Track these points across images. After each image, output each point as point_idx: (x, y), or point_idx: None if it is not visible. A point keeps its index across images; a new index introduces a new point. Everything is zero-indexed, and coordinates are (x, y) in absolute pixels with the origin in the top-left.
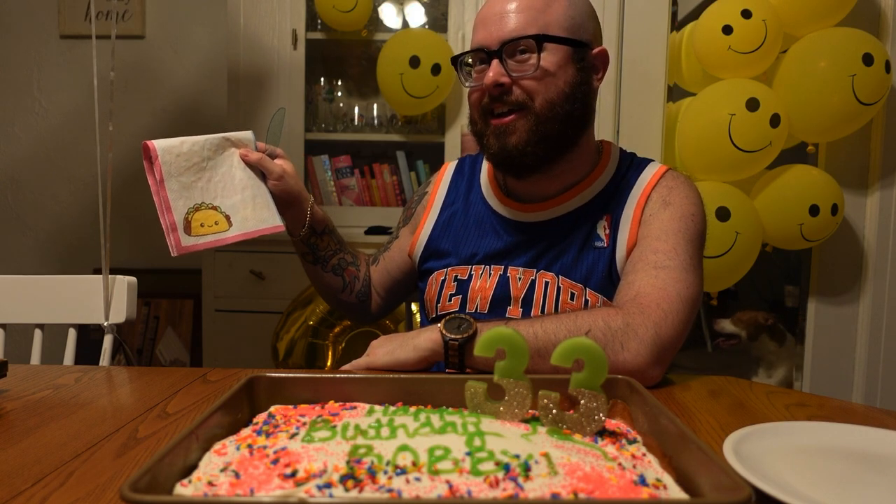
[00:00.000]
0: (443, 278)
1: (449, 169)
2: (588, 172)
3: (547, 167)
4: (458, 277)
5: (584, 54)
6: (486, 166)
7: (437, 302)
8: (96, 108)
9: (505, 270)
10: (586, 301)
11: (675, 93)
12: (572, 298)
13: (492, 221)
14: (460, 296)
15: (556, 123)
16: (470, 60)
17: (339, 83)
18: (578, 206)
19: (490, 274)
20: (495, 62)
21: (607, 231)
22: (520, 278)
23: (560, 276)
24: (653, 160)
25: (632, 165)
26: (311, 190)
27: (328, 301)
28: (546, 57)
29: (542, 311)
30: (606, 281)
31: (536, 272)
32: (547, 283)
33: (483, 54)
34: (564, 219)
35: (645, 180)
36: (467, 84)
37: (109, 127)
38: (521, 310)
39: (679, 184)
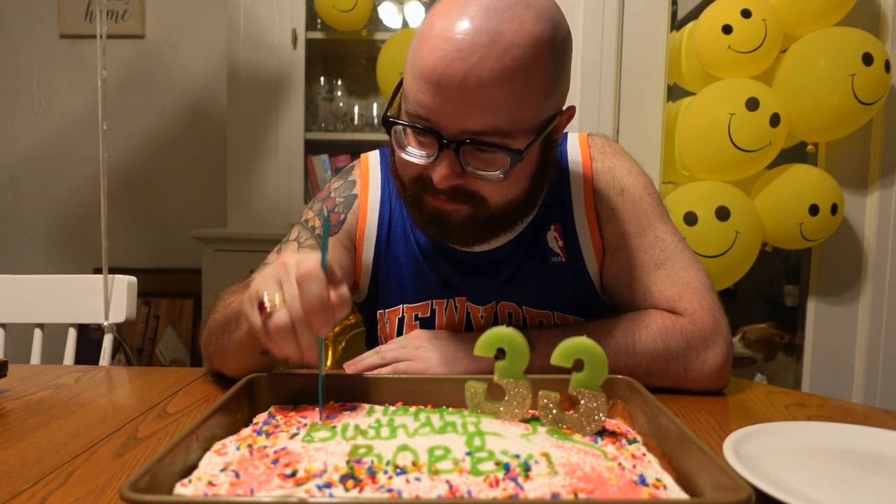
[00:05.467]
0: (399, 316)
1: (373, 163)
2: None
3: None
4: (420, 316)
5: (555, 126)
6: None
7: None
8: (100, 107)
9: (465, 306)
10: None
11: (675, 92)
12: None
13: (439, 250)
14: None
15: (510, 215)
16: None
17: (339, 83)
18: (525, 225)
19: (457, 308)
20: (449, 157)
21: (560, 243)
22: (482, 316)
23: (524, 307)
24: (566, 133)
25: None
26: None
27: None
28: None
29: None
30: (576, 300)
31: (497, 304)
32: (510, 314)
33: (431, 136)
34: (513, 241)
35: (578, 173)
36: (402, 153)
37: (104, 126)
38: None
39: (612, 162)
